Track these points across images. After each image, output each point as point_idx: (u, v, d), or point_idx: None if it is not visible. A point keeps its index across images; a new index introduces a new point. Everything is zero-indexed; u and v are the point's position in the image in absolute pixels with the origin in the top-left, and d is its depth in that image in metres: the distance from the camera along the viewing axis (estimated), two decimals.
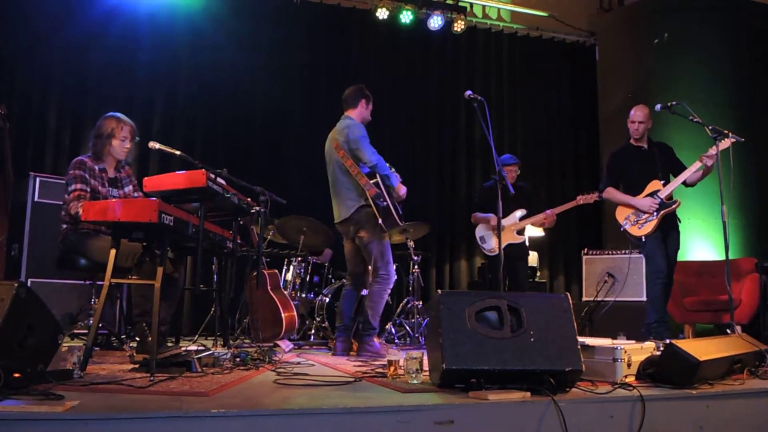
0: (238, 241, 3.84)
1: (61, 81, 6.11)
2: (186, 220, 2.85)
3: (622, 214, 4.47)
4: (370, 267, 4.13)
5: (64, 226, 3.55)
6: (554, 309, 2.43)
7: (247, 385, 2.48)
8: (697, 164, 4.27)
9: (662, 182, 4.39)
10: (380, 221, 3.95)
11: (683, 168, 4.45)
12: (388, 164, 4.19)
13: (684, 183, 4.40)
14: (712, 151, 4.11)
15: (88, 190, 3.50)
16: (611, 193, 4.57)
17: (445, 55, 7.61)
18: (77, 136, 6.03)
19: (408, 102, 7.36)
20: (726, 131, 4.03)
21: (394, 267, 4.18)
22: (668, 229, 4.37)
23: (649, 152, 4.51)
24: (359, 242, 4.13)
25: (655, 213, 4.32)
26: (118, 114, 3.74)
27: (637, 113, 4.52)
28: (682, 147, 4.69)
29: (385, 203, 4.00)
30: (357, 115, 4.29)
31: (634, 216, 4.40)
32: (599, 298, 5.69)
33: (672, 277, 4.35)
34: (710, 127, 4.05)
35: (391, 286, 4.14)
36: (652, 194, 4.37)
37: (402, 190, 4.16)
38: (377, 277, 4.08)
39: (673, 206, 4.32)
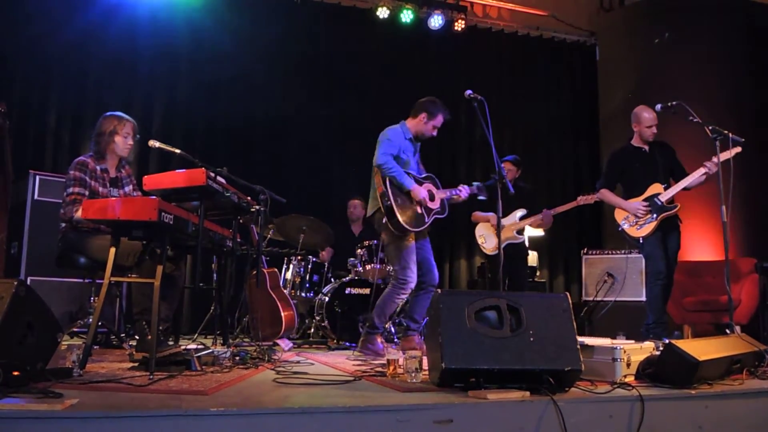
0: (238, 239, 3.84)
1: (61, 79, 6.11)
2: (186, 218, 2.85)
3: (620, 215, 4.46)
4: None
5: (63, 225, 3.55)
6: (554, 309, 2.43)
7: (247, 383, 2.48)
8: (702, 170, 4.24)
9: (664, 185, 4.38)
10: (384, 221, 3.90)
11: (683, 171, 4.44)
12: (426, 174, 4.25)
13: (684, 188, 4.38)
14: (716, 158, 4.08)
15: (86, 193, 3.51)
16: (604, 194, 4.58)
17: (445, 54, 7.59)
18: (77, 135, 6.03)
19: (408, 101, 7.32)
20: (726, 131, 4.02)
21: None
22: (668, 229, 4.35)
23: (650, 153, 4.49)
24: (382, 243, 4.15)
25: (654, 215, 4.31)
26: (119, 112, 3.77)
27: (647, 115, 4.42)
28: (681, 147, 4.69)
29: (388, 203, 3.89)
30: (412, 125, 4.23)
31: (634, 217, 4.38)
32: (599, 298, 5.69)
33: (672, 278, 4.33)
34: (710, 127, 4.03)
35: (407, 292, 4.02)
36: (652, 197, 4.35)
37: (419, 194, 3.98)
38: (394, 280, 4.02)
39: (674, 210, 4.31)
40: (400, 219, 3.89)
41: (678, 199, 4.40)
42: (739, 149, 4.08)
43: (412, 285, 3.99)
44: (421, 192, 4.01)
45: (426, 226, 4.06)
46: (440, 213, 4.15)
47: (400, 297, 4.02)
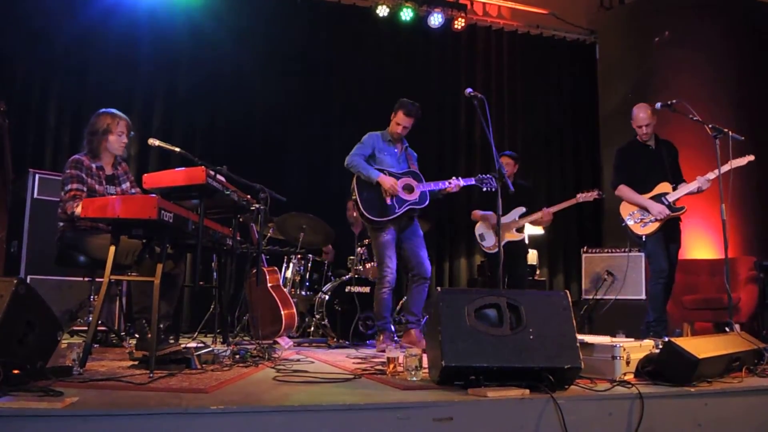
0: (238, 238, 3.84)
1: (61, 77, 6.11)
2: (185, 217, 2.84)
3: (626, 210, 4.43)
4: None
5: (61, 224, 3.54)
6: (553, 307, 2.43)
7: (247, 382, 2.48)
8: (695, 183, 4.27)
9: (671, 185, 4.36)
10: (355, 215, 4.14)
11: (680, 176, 4.45)
12: (407, 170, 4.34)
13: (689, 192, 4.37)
14: (711, 174, 4.17)
15: (85, 189, 3.49)
16: (624, 191, 4.46)
17: (445, 52, 7.59)
18: (77, 133, 6.00)
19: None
20: (726, 130, 4.02)
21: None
22: (670, 228, 4.35)
23: (657, 152, 4.47)
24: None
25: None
26: (112, 110, 3.71)
27: (641, 115, 4.39)
28: (682, 145, 4.69)
29: (354, 197, 4.21)
30: (391, 125, 4.41)
31: (639, 214, 4.36)
32: (598, 296, 5.69)
33: (673, 277, 4.34)
34: (710, 126, 4.04)
35: (387, 286, 4.18)
36: (660, 196, 4.34)
37: (386, 182, 4.16)
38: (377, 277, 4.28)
39: (680, 212, 4.31)
40: (363, 209, 4.15)
41: (686, 206, 4.38)
42: (752, 158, 4.12)
43: (390, 279, 4.18)
44: (388, 180, 4.17)
45: (396, 215, 4.19)
46: (417, 204, 4.26)
47: (382, 292, 4.20)
